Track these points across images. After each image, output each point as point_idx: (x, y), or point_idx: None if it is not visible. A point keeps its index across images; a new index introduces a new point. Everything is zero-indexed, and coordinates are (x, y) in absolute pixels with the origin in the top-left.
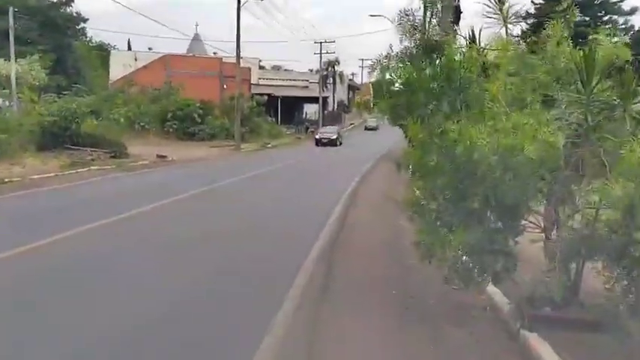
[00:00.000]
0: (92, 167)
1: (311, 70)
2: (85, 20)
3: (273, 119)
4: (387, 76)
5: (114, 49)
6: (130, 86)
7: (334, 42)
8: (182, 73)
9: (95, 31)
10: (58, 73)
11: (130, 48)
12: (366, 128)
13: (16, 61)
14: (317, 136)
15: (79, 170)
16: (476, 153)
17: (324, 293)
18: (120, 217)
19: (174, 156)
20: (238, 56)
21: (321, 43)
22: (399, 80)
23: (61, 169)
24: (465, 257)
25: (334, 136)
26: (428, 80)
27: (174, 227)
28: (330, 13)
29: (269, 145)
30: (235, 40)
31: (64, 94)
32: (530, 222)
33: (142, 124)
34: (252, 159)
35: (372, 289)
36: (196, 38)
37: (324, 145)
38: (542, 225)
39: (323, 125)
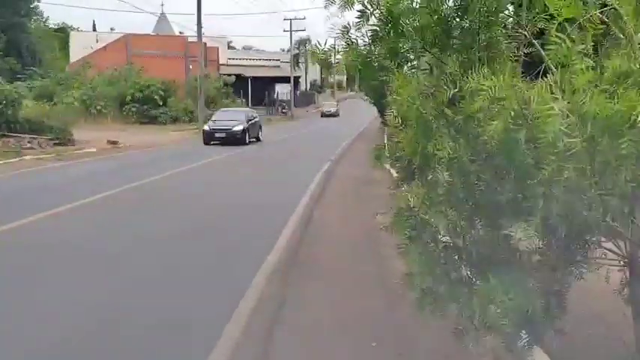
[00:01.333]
0: (26, 157)
1: (283, 50)
2: None
3: (244, 101)
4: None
5: (77, 30)
6: (86, 68)
7: (305, 18)
8: (145, 53)
9: (55, 13)
10: (10, 56)
11: (94, 29)
12: (323, 115)
13: None
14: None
15: (8, 161)
16: (548, 131)
17: (264, 346)
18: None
19: (129, 142)
20: (200, 31)
21: (290, 20)
22: (376, 13)
23: None
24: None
25: (238, 128)
26: (425, 12)
27: (85, 234)
28: None
29: None
30: (196, 12)
31: (18, 78)
32: (607, 250)
33: (98, 107)
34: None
35: (339, 338)
36: (163, 18)
37: (218, 142)
38: (624, 252)
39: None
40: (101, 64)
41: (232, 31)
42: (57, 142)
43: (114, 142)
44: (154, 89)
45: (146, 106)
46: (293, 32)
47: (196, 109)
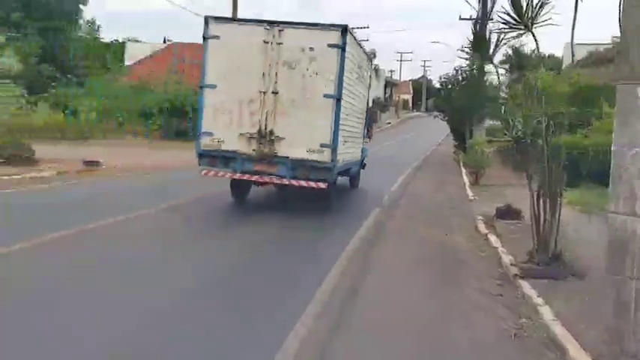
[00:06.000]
0: None
1: None
2: (84, 2)
3: None
4: None
5: (137, 42)
6: (121, 76)
7: (368, 27)
8: (192, 62)
9: (128, 27)
10: (48, 62)
11: (165, 42)
12: None
13: None
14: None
15: None
16: None
17: None
18: None
19: (118, 162)
20: None
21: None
22: None
23: None
24: None
25: None
26: None
27: None
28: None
29: None
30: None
31: (53, 86)
32: None
33: (119, 120)
34: None
35: None
36: None
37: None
38: None
39: None
40: (145, 74)
41: None
42: (3, 161)
43: (93, 163)
44: (184, 99)
45: (174, 118)
46: None
47: None
